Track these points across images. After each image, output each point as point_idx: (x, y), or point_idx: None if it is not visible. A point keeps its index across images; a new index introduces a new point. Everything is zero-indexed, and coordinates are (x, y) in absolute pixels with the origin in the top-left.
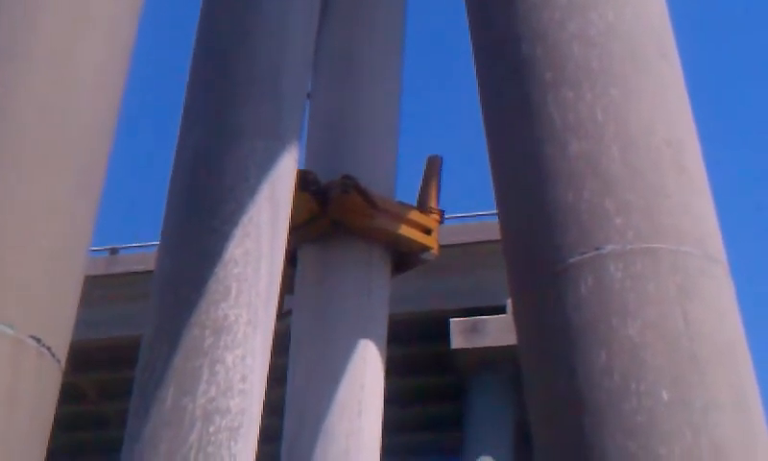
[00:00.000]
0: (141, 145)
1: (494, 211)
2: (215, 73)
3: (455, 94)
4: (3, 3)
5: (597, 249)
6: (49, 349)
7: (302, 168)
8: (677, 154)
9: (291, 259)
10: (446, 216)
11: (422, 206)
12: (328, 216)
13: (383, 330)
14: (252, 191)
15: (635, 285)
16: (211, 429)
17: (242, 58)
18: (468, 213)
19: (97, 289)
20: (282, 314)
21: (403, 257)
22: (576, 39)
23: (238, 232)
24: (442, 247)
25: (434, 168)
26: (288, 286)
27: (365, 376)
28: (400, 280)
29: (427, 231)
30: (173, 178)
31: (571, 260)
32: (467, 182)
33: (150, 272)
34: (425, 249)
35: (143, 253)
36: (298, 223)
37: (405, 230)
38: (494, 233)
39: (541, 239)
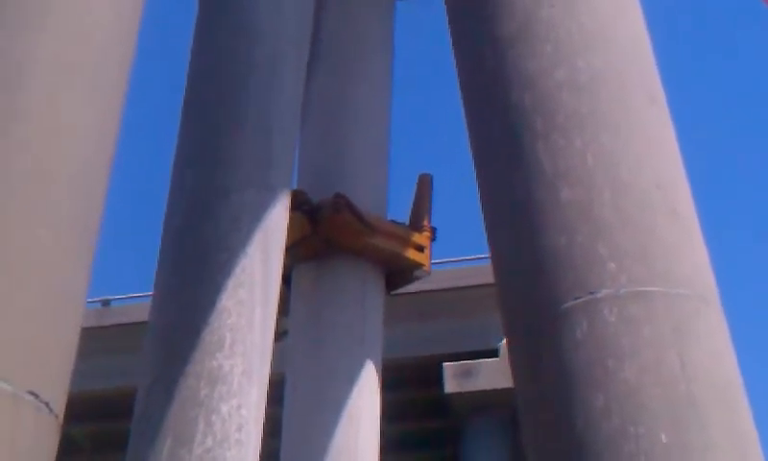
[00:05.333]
0: (132, 193)
1: (485, 255)
2: (205, 125)
3: (449, 114)
4: None
5: (591, 293)
6: (47, 404)
7: (294, 188)
8: (667, 197)
9: (285, 280)
10: (436, 261)
11: (414, 224)
12: (321, 235)
13: (378, 354)
14: (244, 241)
15: (629, 329)
16: None
17: (232, 108)
18: (458, 258)
19: (90, 341)
20: (279, 335)
21: (396, 275)
22: (564, 86)
23: (231, 283)
24: (433, 292)
25: (425, 186)
26: (283, 307)
27: (361, 417)
28: (392, 326)
29: (420, 249)
30: (165, 228)
31: (566, 305)
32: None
33: (142, 323)
34: (418, 266)
35: (135, 304)
36: (290, 243)
37: (398, 248)
38: (485, 277)
39: (536, 285)
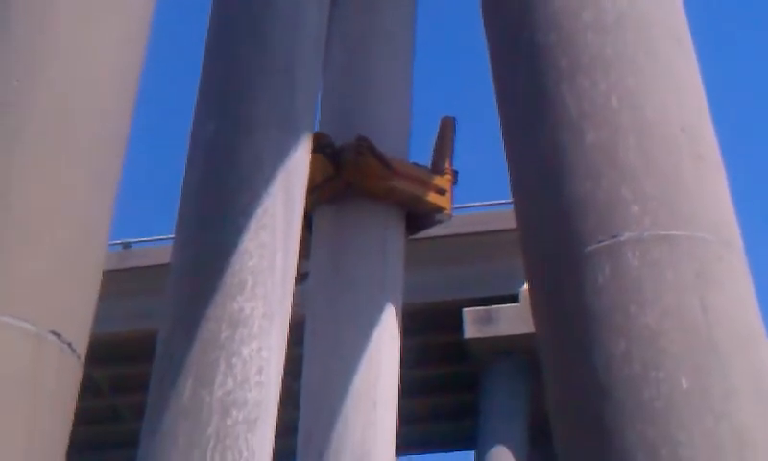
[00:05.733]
0: (154, 137)
1: (506, 201)
2: (228, 65)
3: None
4: (20, 3)
5: (614, 237)
6: (69, 344)
7: (316, 130)
8: (692, 140)
9: (306, 223)
10: (457, 206)
11: (436, 168)
12: (343, 178)
13: (399, 298)
14: (266, 182)
15: (652, 273)
16: (229, 422)
17: (255, 49)
18: (479, 203)
19: (110, 283)
20: (299, 278)
21: (417, 219)
22: (590, 28)
23: (253, 225)
24: (453, 237)
25: (447, 129)
26: (304, 250)
27: (381, 362)
28: (412, 271)
29: (441, 192)
30: (187, 170)
31: (589, 249)
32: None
33: (163, 265)
34: (439, 209)
35: (156, 246)
36: (312, 185)
37: (420, 191)
38: (506, 222)
39: (559, 228)
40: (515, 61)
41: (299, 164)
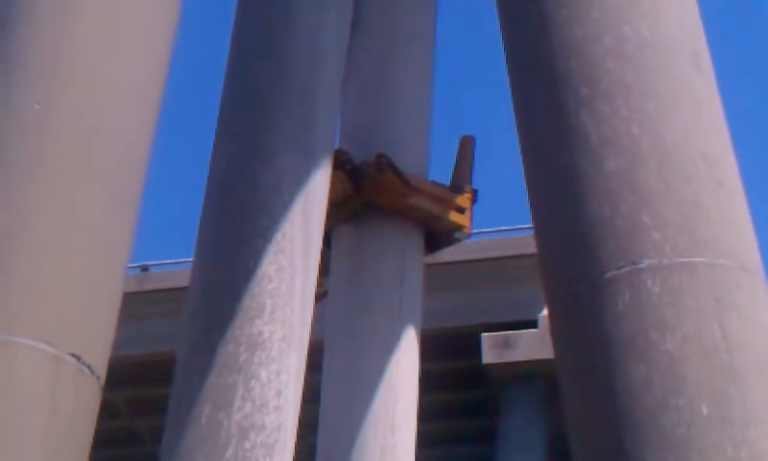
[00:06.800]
0: (173, 160)
1: (525, 226)
2: (248, 90)
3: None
4: (41, 21)
5: (634, 263)
6: (89, 366)
7: (336, 147)
8: (712, 167)
9: (326, 240)
10: (477, 231)
11: (456, 186)
12: (362, 195)
13: (417, 319)
14: (285, 207)
15: (672, 299)
16: (247, 445)
17: (274, 73)
18: (499, 228)
19: (129, 306)
20: (319, 296)
21: (436, 237)
22: (610, 54)
23: (272, 249)
24: (473, 262)
25: (467, 148)
26: (324, 267)
27: (399, 386)
28: (431, 296)
29: (461, 211)
30: (206, 194)
31: (608, 275)
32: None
33: (182, 288)
34: (458, 228)
35: (175, 269)
36: (331, 202)
37: (439, 209)
38: (525, 248)
39: (578, 254)
40: (534, 87)
41: (318, 188)
